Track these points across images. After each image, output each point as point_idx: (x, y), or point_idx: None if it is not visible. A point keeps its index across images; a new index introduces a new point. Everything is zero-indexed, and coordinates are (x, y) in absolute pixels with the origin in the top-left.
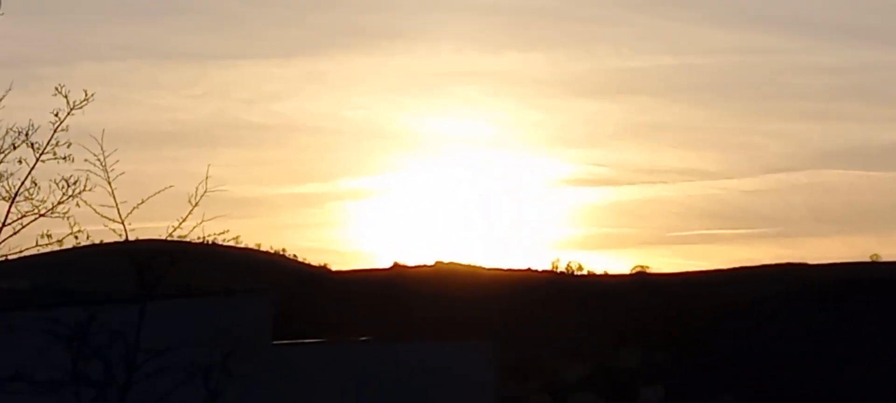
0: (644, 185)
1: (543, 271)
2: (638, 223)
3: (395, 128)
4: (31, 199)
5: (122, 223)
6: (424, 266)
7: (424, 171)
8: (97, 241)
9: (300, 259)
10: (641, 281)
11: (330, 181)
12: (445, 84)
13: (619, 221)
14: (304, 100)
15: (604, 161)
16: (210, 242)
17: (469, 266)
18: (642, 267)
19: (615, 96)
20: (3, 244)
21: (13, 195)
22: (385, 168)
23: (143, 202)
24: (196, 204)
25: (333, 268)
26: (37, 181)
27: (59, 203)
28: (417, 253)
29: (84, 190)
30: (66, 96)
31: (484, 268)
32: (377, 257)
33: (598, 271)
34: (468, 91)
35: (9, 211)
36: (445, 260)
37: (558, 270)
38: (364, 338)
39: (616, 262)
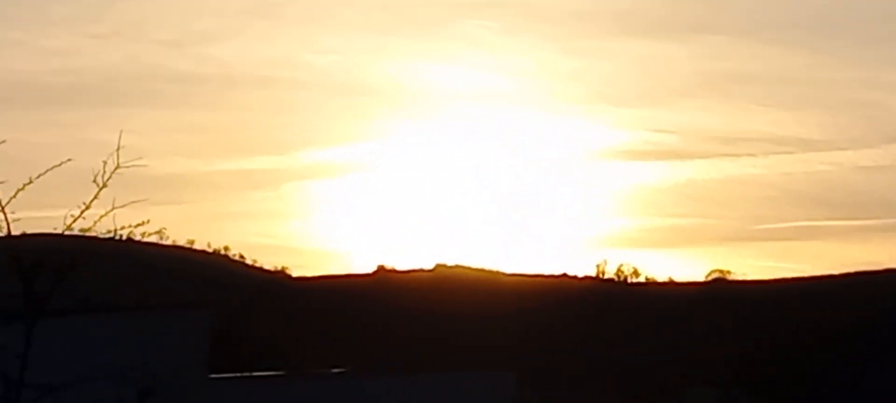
0: (722, 159)
1: (584, 277)
2: (714, 211)
3: (377, 80)
4: None
5: (2, 212)
6: (420, 270)
7: (418, 140)
8: None
9: (249, 260)
10: (719, 291)
11: (288, 153)
12: (446, 19)
13: (689, 209)
14: (250, 41)
15: (666, 125)
16: (123, 238)
17: (481, 270)
18: (721, 271)
19: (683, 35)
20: None
21: None
22: (364, 135)
23: (30, 182)
24: (104, 185)
25: (295, 274)
26: None
27: None
28: (410, 254)
29: None
30: None
31: (501, 274)
32: (355, 258)
33: (660, 278)
34: (478, 29)
35: None
36: (448, 263)
37: (604, 276)
38: (336, 369)
39: (685, 265)
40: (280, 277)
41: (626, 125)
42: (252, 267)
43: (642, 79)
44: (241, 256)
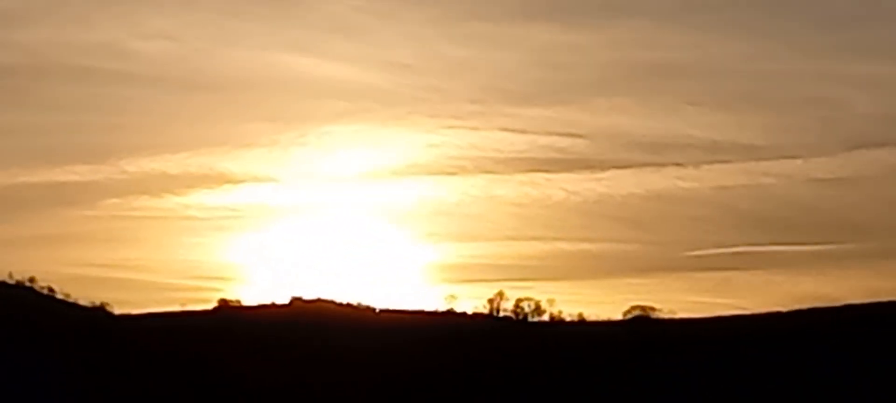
0: (644, 170)
1: (474, 314)
2: (635, 234)
3: (219, 72)
4: None
5: None
6: (272, 306)
7: (269, 150)
8: None
9: (60, 294)
10: (641, 331)
11: (109, 162)
12: None
13: (603, 231)
14: (61, 23)
15: (576, 128)
16: None
17: (346, 306)
18: (643, 308)
19: (596, 20)
20: None
21: None
22: (203, 141)
23: None
24: None
25: (117, 310)
26: None
27: None
28: (261, 286)
29: None
30: None
31: (371, 310)
32: (193, 291)
33: (569, 315)
34: (344, 9)
35: None
36: (307, 297)
37: (499, 313)
38: None
39: (599, 300)
40: (99, 315)
41: (526, 128)
42: (64, 302)
43: (546, 73)
44: (51, 289)
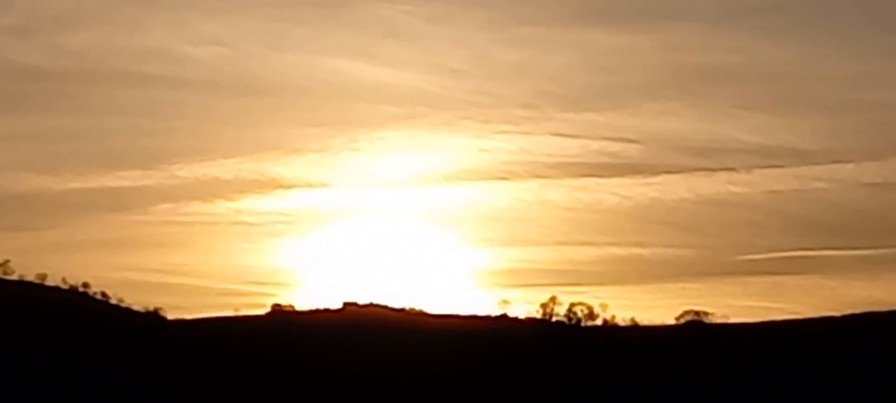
0: (696, 175)
1: (527, 320)
2: (687, 239)
3: (270, 77)
4: None
5: None
6: (325, 311)
7: (322, 155)
8: None
9: (114, 299)
10: (694, 335)
11: (161, 167)
12: (357, 1)
13: (656, 236)
14: (114, 29)
15: (627, 133)
16: None
17: (400, 311)
18: (696, 312)
19: (647, 24)
20: None
21: None
22: (256, 146)
23: None
24: None
25: (170, 315)
26: None
27: None
28: (314, 291)
29: None
30: None
31: (425, 315)
32: (248, 296)
33: (622, 320)
34: (396, 13)
35: None
36: (360, 302)
37: (552, 318)
38: None
39: (651, 305)
40: (152, 320)
41: (578, 132)
42: (117, 306)
43: (598, 77)
44: (104, 294)
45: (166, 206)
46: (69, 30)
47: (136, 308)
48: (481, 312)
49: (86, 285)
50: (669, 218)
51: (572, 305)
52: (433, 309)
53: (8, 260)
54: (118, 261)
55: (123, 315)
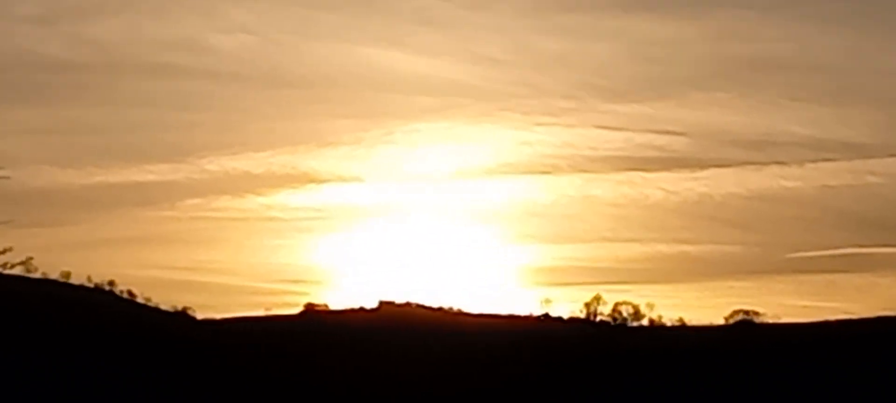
0: (746, 169)
1: (570, 319)
2: (736, 235)
3: (300, 68)
4: None
5: None
6: (360, 310)
7: (355, 148)
8: None
9: (141, 298)
10: (744, 336)
11: (188, 161)
12: None
13: (704, 232)
14: (138, 18)
15: (675, 125)
16: None
17: (437, 310)
18: (746, 312)
19: (695, 11)
20: None
21: None
22: (286, 139)
23: None
24: None
25: (199, 315)
26: None
27: None
28: (348, 289)
29: None
30: None
31: (464, 314)
32: (279, 295)
33: (669, 320)
34: (432, 1)
35: None
36: (396, 301)
37: (596, 317)
38: None
39: (700, 304)
40: (181, 319)
41: (623, 125)
42: (145, 306)
43: (643, 67)
44: (131, 293)
45: (194, 201)
46: (92, 19)
47: (163, 307)
48: (523, 312)
49: (111, 283)
50: (718, 214)
51: (617, 304)
52: (473, 308)
53: (31, 258)
54: (145, 259)
55: (151, 314)
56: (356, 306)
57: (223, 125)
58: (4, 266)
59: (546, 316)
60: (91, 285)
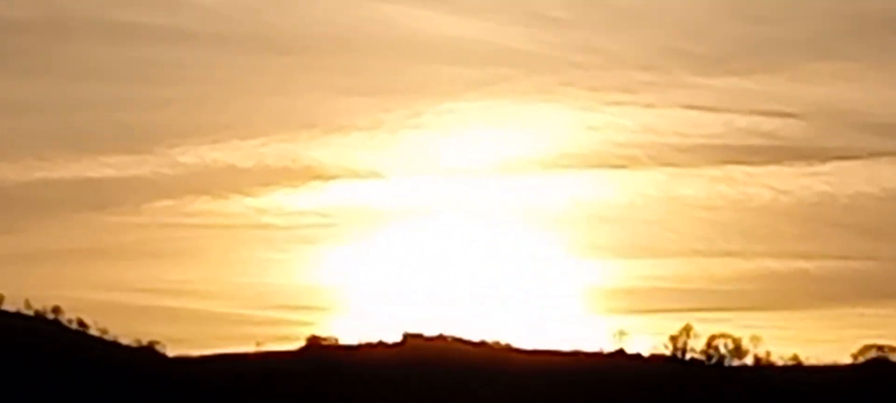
0: (880, 161)
1: (651, 357)
2: (871, 247)
3: (297, 25)
4: None
5: None
6: (380, 345)
7: (368, 127)
8: None
9: (95, 330)
10: (878, 378)
11: (156, 152)
12: None
13: (828, 242)
14: None
15: (787, 103)
16: None
17: (478, 345)
18: (879, 347)
19: None
20: None
21: None
22: (280, 121)
23: None
24: None
25: (171, 352)
26: None
27: None
28: (364, 320)
29: None
30: None
31: (512, 350)
32: (275, 325)
33: (779, 356)
34: None
35: None
36: (425, 333)
37: (685, 355)
38: None
39: (819, 336)
40: (146, 356)
41: (719, 104)
42: (100, 339)
43: (746, 28)
44: (81, 322)
45: (164, 204)
46: None
47: (124, 341)
48: (590, 347)
49: (56, 310)
50: (844, 220)
51: (713, 338)
52: (525, 342)
53: None
54: (100, 277)
55: (108, 350)
56: (374, 340)
57: (201, 104)
58: None
59: (620, 352)
60: (30, 312)
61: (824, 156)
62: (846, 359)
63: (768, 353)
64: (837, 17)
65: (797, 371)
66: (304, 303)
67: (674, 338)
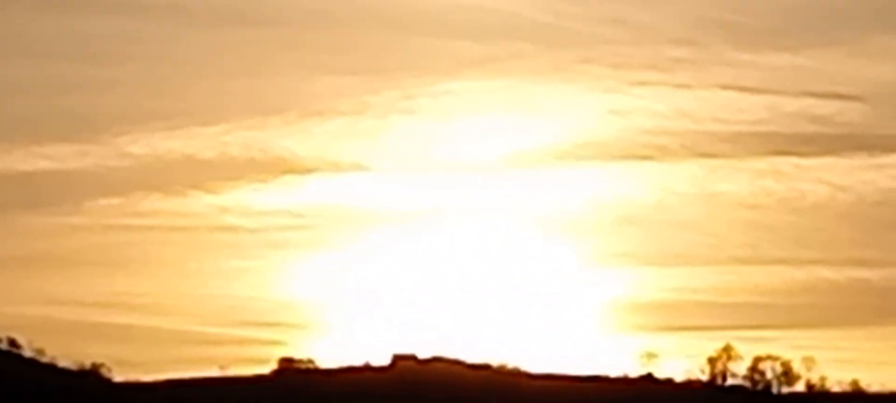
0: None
1: (689, 383)
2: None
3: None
4: None
5: None
6: (365, 368)
7: (351, 111)
8: None
9: (31, 350)
10: None
11: (101, 141)
12: None
13: (893, 247)
14: None
15: (844, 83)
16: None
17: (481, 367)
18: None
19: None
20: None
21: None
22: (247, 104)
23: None
24: None
25: (117, 376)
26: None
27: None
28: (345, 339)
29: None
30: None
31: (521, 374)
32: (241, 345)
33: (837, 383)
34: None
35: None
36: (419, 355)
37: (726, 380)
38: None
39: (884, 359)
40: (89, 382)
41: (765, 85)
42: (35, 361)
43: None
44: (13, 342)
45: (110, 202)
46: None
47: (63, 364)
48: (614, 371)
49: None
50: None
51: (758, 360)
52: (535, 366)
53: None
54: (34, 289)
55: (44, 374)
56: (358, 363)
57: (153, 84)
58: None
59: (649, 376)
60: None
61: (890, 146)
62: None
63: (823, 378)
64: None
65: (858, 399)
66: (275, 320)
67: (712, 361)
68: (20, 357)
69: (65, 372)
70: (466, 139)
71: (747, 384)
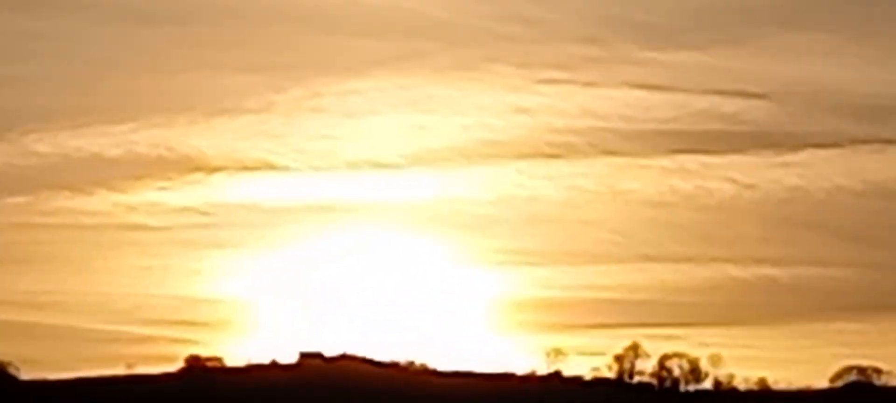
0: (861, 149)
1: (596, 380)
2: (851, 252)
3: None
4: None
5: None
6: (272, 365)
7: (259, 108)
8: None
9: None
10: (859, 400)
11: (5, 136)
12: None
13: (801, 245)
14: None
15: (752, 81)
16: None
17: (388, 366)
18: (862, 368)
19: None
20: None
21: None
22: (155, 101)
23: None
24: None
25: (24, 375)
26: None
27: None
28: (253, 335)
29: None
30: None
31: (431, 372)
32: (148, 344)
33: (744, 379)
34: None
35: None
36: (327, 353)
37: (635, 376)
38: None
39: (793, 358)
40: (3, 377)
41: (672, 83)
42: None
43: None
44: None
45: (16, 201)
46: None
47: None
48: (521, 369)
49: None
50: (819, 219)
51: (664, 357)
52: (442, 363)
53: None
54: None
55: None
56: (265, 360)
57: (60, 82)
58: None
59: (556, 374)
60: None
61: (796, 143)
62: (822, 383)
63: (731, 376)
64: None
65: (765, 397)
66: (182, 318)
67: (619, 359)
68: None
69: None
70: (373, 137)
71: (654, 382)
